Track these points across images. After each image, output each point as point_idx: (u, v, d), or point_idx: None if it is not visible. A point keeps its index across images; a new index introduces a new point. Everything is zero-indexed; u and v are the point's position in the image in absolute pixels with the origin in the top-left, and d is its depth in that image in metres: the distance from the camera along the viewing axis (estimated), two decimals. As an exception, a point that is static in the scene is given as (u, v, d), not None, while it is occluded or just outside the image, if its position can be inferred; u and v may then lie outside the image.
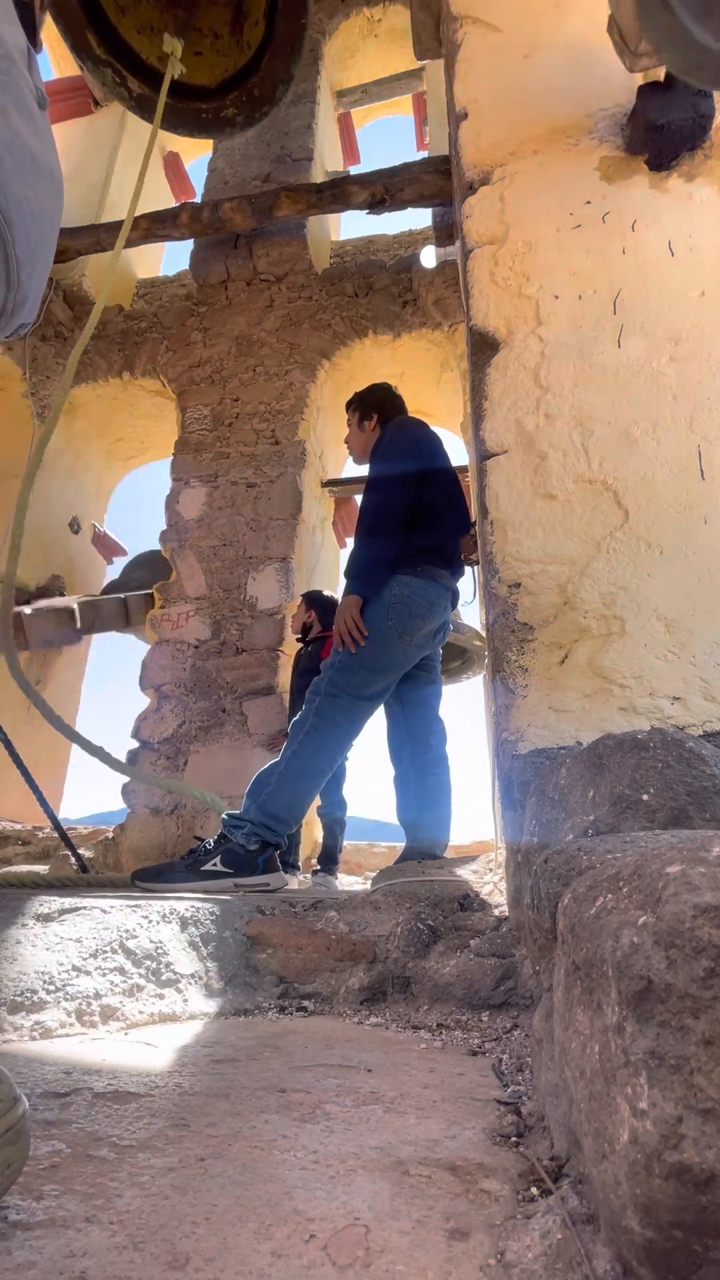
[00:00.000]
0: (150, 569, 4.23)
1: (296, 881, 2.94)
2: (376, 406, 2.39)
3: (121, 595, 4.15)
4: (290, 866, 3.06)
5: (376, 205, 3.73)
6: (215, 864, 1.73)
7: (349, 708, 1.92)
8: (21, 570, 4.30)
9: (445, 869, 1.81)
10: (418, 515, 2.08)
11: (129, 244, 4.14)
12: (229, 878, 1.71)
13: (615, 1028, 0.39)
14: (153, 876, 1.71)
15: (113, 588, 4.46)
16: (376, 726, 2.35)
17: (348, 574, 2.03)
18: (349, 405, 2.45)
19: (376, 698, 1.99)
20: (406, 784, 2.26)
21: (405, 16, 4.70)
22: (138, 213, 4.33)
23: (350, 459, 2.58)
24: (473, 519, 2.18)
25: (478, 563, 2.05)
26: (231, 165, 4.70)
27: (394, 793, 2.30)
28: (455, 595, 2.23)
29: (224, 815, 1.86)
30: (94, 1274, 0.38)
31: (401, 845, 2.29)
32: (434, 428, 2.31)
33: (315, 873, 3.32)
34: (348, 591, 2.00)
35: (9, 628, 2.07)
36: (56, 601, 4.23)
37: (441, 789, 2.24)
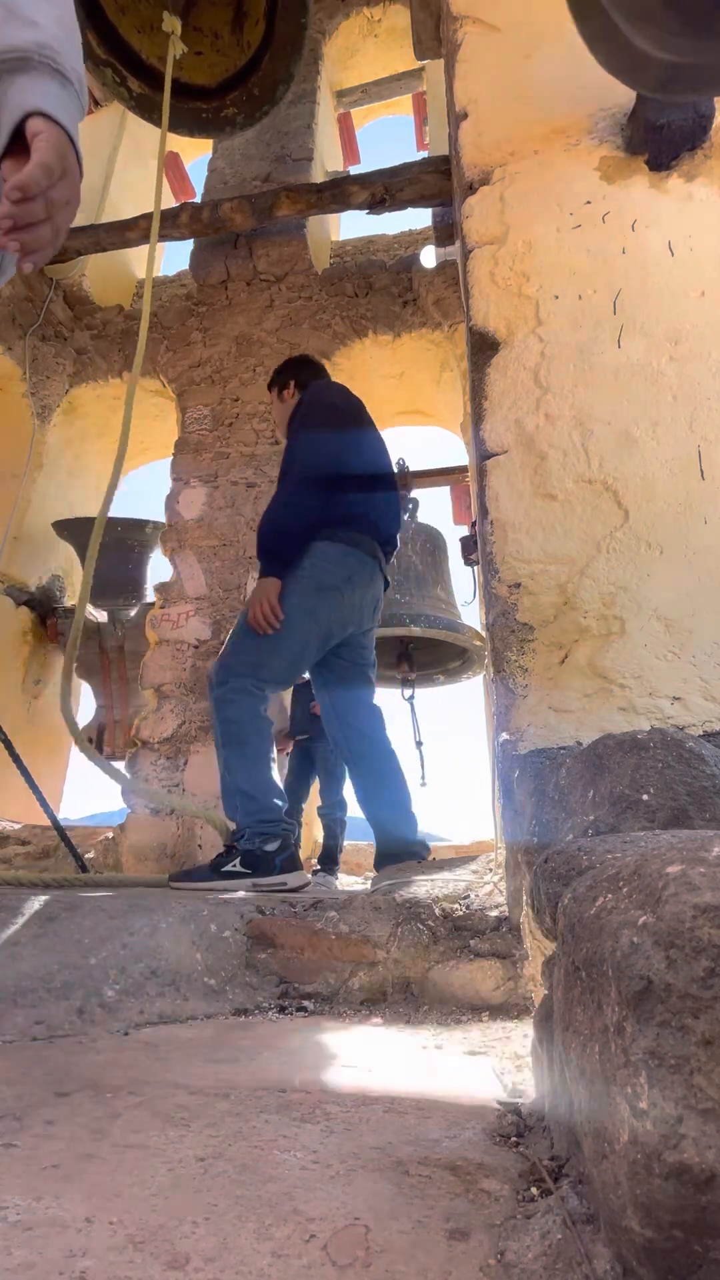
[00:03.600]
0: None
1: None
2: (293, 373, 2.29)
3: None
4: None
5: (376, 205, 3.72)
6: (235, 865, 1.75)
7: (238, 685, 1.83)
8: (22, 571, 4.30)
9: (445, 869, 1.81)
10: (338, 482, 1.98)
11: (129, 244, 4.15)
12: (248, 877, 1.73)
13: (615, 1028, 0.39)
14: (181, 878, 1.79)
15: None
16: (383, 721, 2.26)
17: (259, 552, 1.93)
18: (269, 386, 2.37)
19: (282, 682, 1.90)
20: (364, 786, 2.12)
21: (405, 16, 4.70)
22: (137, 212, 4.34)
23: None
24: (401, 485, 2.10)
25: (477, 563, 2.04)
26: (231, 165, 4.70)
27: (356, 798, 2.16)
28: (381, 567, 2.07)
29: (230, 828, 1.89)
30: (94, 1274, 0.38)
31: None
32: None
33: (315, 873, 3.32)
34: (262, 573, 1.90)
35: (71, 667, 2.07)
36: None
37: (392, 777, 2.09)
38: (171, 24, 3.18)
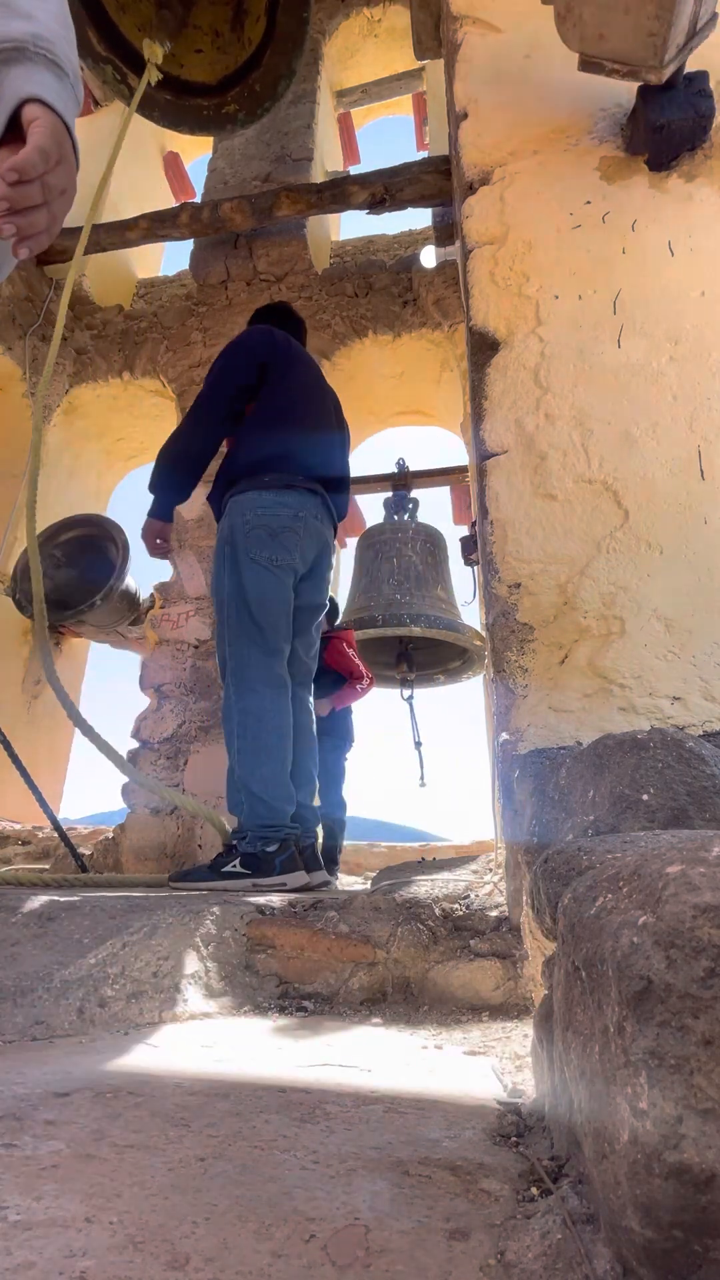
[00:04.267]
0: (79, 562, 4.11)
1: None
2: (254, 321, 2.27)
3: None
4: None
5: (376, 205, 3.72)
6: (234, 866, 1.73)
7: (259, 673, 1.83)
8: (21, 570, 4.30)
9: (445, 869, 1.81)
10: (263, 422, 1.94)
11: (128, 244, 4.14)
12: (248, 878, 1.72)
13: (615, 1028, 0.39)
14: (181, 878, 1.76)
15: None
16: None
17: (149, 485, 1.95)
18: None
19: (279, 649, 1.88)
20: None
21: (405, 16, 4.69)
22: (137, 212, 4.34)
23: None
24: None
25: (477, 563, 2.03)
26: (231, 165, 4.70)
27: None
28: (328, 504, 2.03)
29: (230, 830, 1.87)
30: (94, 1274, 0.38)
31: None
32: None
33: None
34: (150, 512, 1.93)
35: (45, 639, 2.06)
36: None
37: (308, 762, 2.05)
38: (152, 51, 3.20)
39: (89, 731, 2.08)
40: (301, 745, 2.01)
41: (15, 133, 0.81)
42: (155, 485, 1.93)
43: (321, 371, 2.28)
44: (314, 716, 2.15)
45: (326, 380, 2.26)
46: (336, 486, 2.13)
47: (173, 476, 1.91)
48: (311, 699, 2.17)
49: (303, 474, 1.96)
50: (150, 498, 1.97)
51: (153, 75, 3.21)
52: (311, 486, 1.97)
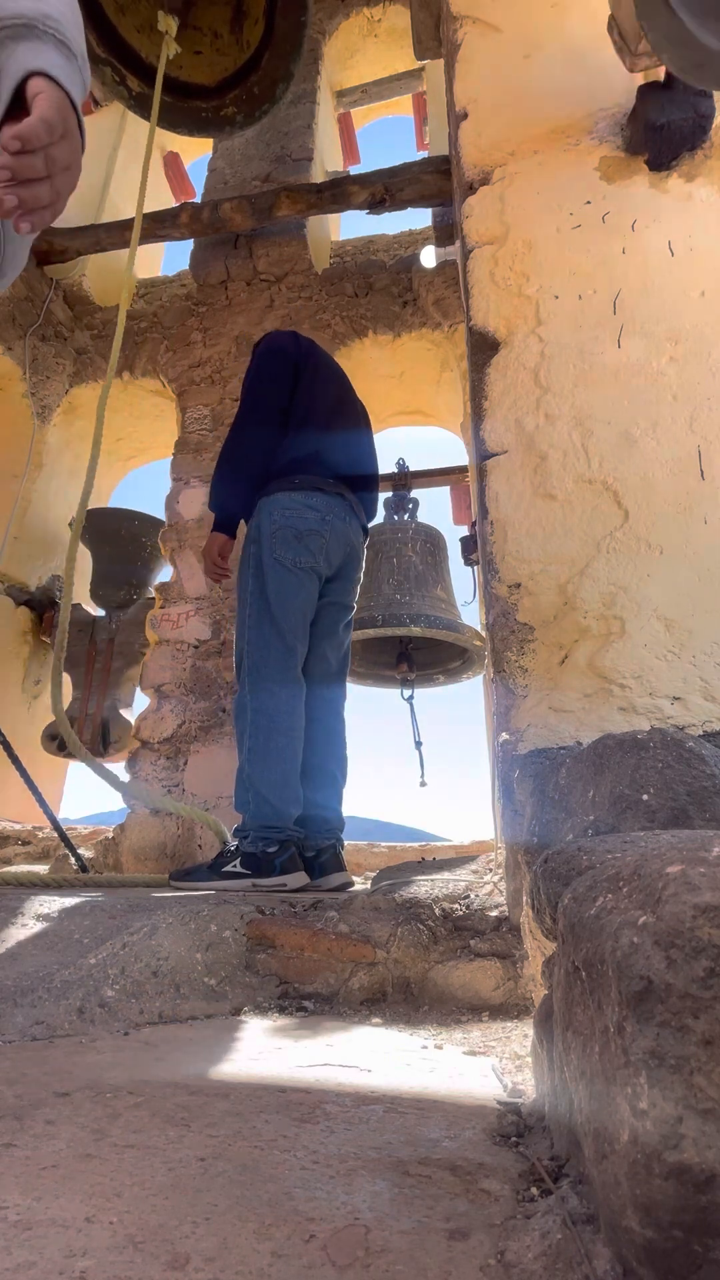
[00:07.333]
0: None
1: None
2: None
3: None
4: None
5: (376, 205, 3.72)
6: (235, 866, 1.73)
7: (275, 673, 1.83)
8: (21, 570, 4.30)
9: (445, 869, 1.81)
10: (294, 424, 1.95)
11: (129, 244, 4.14)
12: (248, 878, 1.72)
13: (615, 1028, 0.39)
14: (182, 877, 1.77)
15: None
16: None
17: (209, 503, 1.97)
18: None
19: (295, 650, 1.89)
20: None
21: (405, 16, 4.69)
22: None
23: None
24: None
25: (477, 563, 2.03)
26: (231, 165, 4.70)
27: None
28: (355, 508, 2.04)
29: (231, 830, 1.87)
30: (94, 1274, 0.38)
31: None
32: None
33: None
34: (214, 526, 1.95)
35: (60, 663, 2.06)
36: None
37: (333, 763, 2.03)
38: (166, 24, 3.16)
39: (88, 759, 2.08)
40: (326, 748, 2.01)
41: (21, 109, 0.79)
42: (214, 503, 1.95)
43: (347, 376, 2.29)
44: (343, 720, 2.14)
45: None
46: (367, 485, 2.13)
47: (232, 491, 1.91)
48: (343, 700, 2.16)
49: (331, 476, 1.97)
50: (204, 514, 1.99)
51: (170, 47, 3.15)
52: (339, 490, 1.98)
